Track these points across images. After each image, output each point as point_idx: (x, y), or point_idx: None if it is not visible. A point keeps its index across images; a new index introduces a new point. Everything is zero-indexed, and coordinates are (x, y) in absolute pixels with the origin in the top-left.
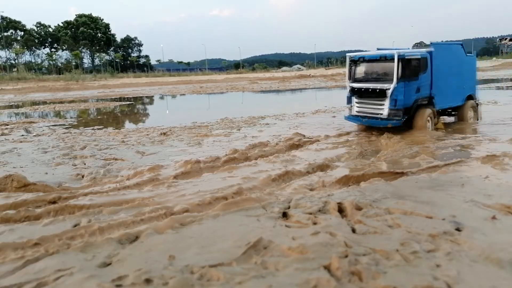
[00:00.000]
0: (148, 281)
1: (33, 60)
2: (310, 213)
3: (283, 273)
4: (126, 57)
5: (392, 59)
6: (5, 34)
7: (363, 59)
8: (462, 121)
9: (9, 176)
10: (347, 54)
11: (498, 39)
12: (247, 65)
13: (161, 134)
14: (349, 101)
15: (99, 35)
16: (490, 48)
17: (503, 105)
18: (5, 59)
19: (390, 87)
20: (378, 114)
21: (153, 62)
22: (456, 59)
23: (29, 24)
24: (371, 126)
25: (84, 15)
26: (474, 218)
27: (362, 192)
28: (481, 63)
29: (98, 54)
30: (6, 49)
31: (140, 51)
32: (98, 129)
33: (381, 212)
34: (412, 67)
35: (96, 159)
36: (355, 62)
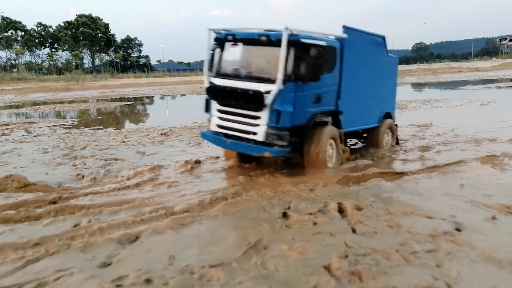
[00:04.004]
0: (148, 281)
1: (33, 61)
2: (310, 213)
3: (283, 273)
4: (126, 58)
5: (278, 43)
6: (6, 34)
7: (233, 38)
8: (375, 147)
9: (10, 176)
10: (208, 28)
11: (498, 40)
12: None
13: (161, 134)
14: (208, 107)
15: (99, 35)
16: (490, 48)
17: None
18: (6, 59)
19: (271, 89)
20: (249, 134)
21: (153, 62)
22: (376, 58)
23: (30, 25)
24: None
25: (84, 15)
26: (474, 218)
27: (362, 192)
28: (481, 64)
29: (98, 54)
30: (7, 50)
31: (140, 51)
32: (99, 129)
33: (381, 212)
34: (311, 61)
35: (96, 159)
36: (221, 42)
